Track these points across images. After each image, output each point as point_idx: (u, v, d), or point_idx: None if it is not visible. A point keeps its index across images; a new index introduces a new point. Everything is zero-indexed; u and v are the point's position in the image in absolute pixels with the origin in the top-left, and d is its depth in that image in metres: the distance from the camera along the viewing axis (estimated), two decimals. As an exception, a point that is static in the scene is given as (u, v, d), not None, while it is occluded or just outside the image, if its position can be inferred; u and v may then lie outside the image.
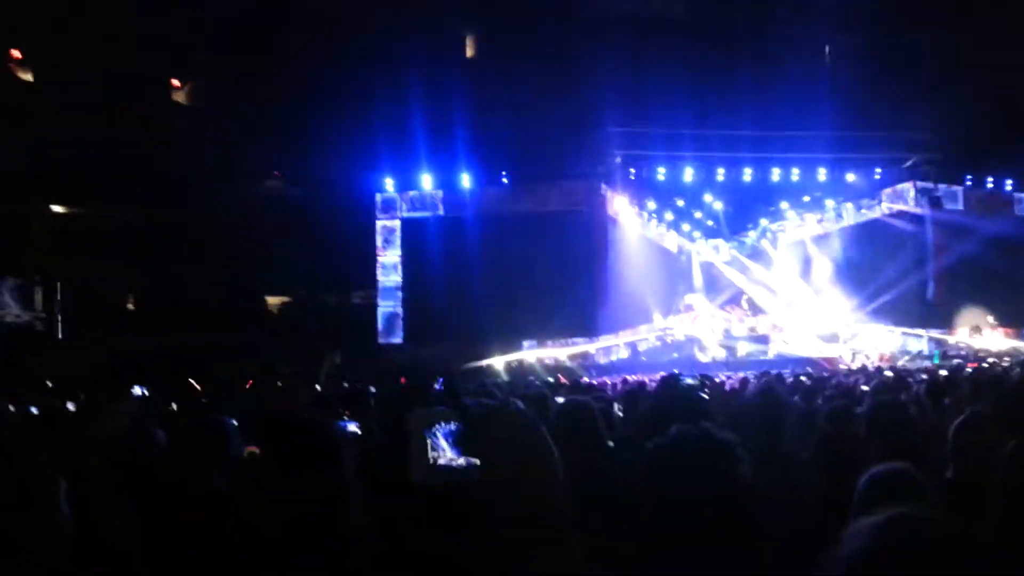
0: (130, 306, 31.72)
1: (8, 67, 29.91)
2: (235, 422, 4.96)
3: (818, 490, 3.09)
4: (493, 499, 1.15)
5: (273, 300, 33.44)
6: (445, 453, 1.12)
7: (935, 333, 27.46)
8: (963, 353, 24.49)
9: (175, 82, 33.90)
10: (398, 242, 28.18)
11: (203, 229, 31.59)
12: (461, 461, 1.12)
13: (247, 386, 16.78)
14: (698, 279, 31.85)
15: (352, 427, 2.43)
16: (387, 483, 1.39)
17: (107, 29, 29.36)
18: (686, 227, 30.90)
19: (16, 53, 30.01)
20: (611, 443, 3.43)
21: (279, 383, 11.51)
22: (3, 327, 27.02)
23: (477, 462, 1.13)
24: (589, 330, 25.97)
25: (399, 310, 27.78)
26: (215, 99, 33.57)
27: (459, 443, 1.12)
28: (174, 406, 6.77)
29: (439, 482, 1.10)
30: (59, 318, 25.56)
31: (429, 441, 1.13)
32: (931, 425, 5.02)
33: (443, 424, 1.14)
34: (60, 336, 27.35)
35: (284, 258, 30.42)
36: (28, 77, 30.32)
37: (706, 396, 5.22)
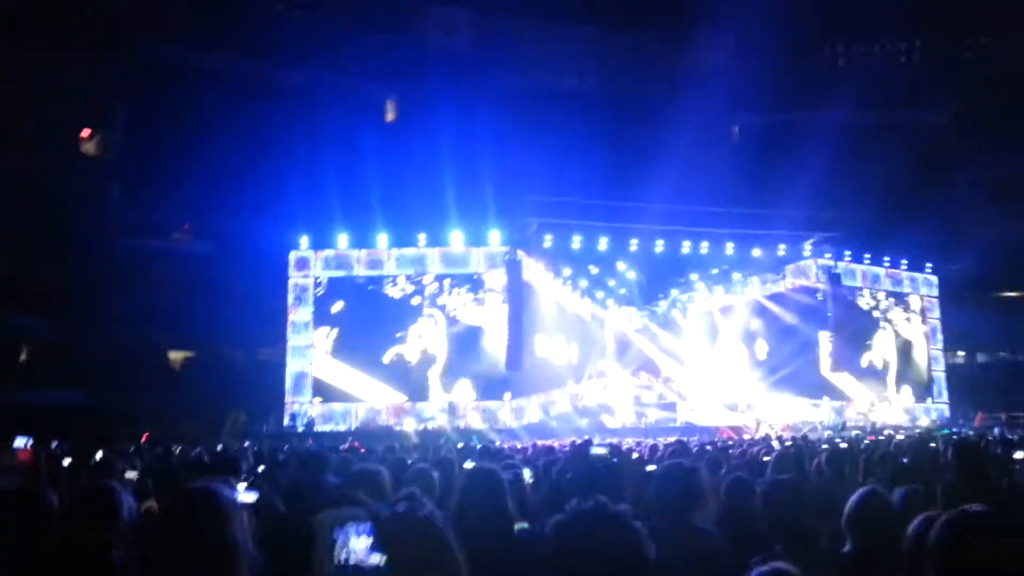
0: (22, 357, 30.22)
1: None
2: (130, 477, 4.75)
3: (724, 563, 3.12)
4: None
5: (176, 355, 32.38)
6: (354, 553, 1.09)
7: (836, 403, 28.37)
8: (861, 424, 25.34)
9: (84, 132, 33.08)
10: (311, 300, 27.71)
11: (105, 282, 30.57)
12: (372, 561, 1.09)
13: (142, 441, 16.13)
14: (610, 346, 32.26)
15: (245, 496, 2.33)
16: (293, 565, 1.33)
17: (17, 77, 28.60)
18: (600, 294, 31.38)
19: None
20: (519, 514, 3.39)
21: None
22: None
23: (383, 559, 1.11)
24: (501, 393, 25.93)
25: (307, 369, 27.19)
26: (124, 151, 32.82)
27: (371, 544, 1.09)
28: (65, 462, 6.42)
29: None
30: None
31: (338, 540, 1.09)
32: (830, 495, 5.15)
33: (354, 524, 1.11)
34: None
35: (189, 313, 29.62)
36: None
37: (614, 463, 5.25)
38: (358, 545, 1.14)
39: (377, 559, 1.14)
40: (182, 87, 31.67)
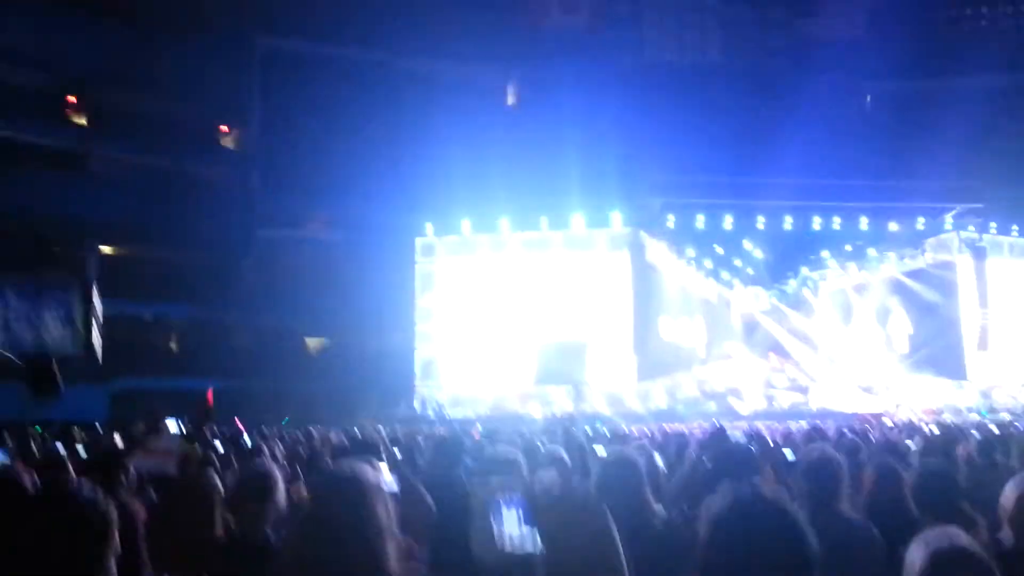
0: (173, 346, 32.17)
1: (64, 112, 30.94)
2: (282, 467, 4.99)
3: (877, 554, 3.00)
4: None
5: (312, 342, 33.75)
6: (510, 529, 1.09)
7: (982, 385, 26.83)
8: (1011, 407, 23.85)
9: (223, 128, 34.78)
10: (436, 286, 28.26)
11: (247, 271, 32.15)
12: (527, 538, 1.08)
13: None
14: (737, 328, 31.48)
15: (389, 481, 2.38)
16: (448, 552, 1.35)
17: (160, 79, 30.31)
18: (725, 275, 30.63)
19: (71, 99, 31.07)
20: (658, 504, 3.36)
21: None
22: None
23: (540, 543, 1.10)
24: (628, 377, 25.78)
25: (435, 355, 27.76)
26: (260, 144, 34.34)
27: (525, 521, 1.08)
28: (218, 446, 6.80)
29: (503, 559, 1.07)
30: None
31: (492, 515, 1.10)
32: (984, 483, 4.88)
33: (507, 497, 1.11)
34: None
35: (323, 301, 30.78)
36: (83, 121, 31.32)
37: (751, 449, 5.14)
38: (511, 524, 1.13)
39: (532, 542, 1.13)
40: (310, 80, 32.93)
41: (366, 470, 2.34)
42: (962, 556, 2.05)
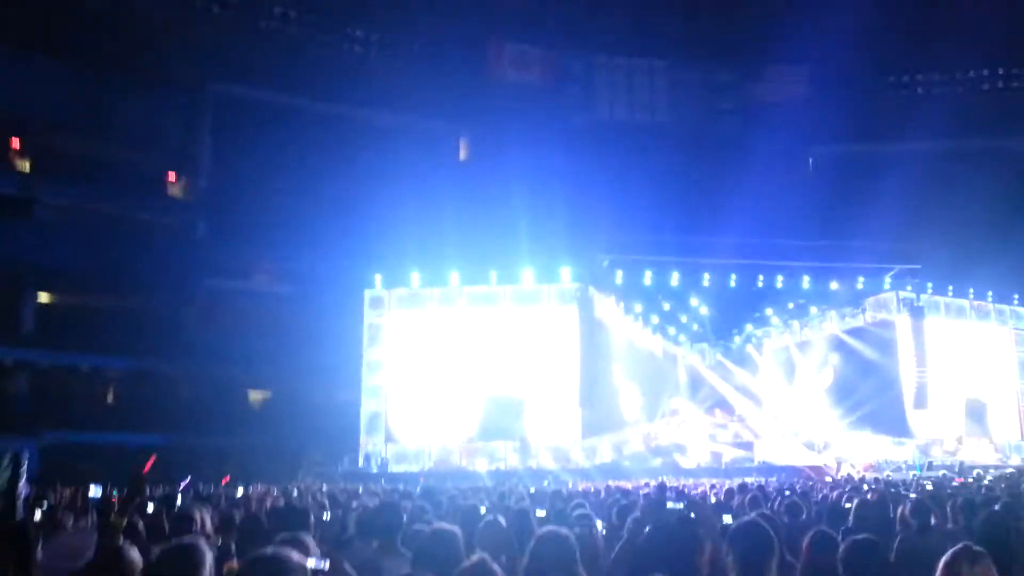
0: (110, 399, 31.28)
1: (7, 156, 30.41)
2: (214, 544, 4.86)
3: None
4: None
5: (255, 395, 33.14)
6: None
7: (920, 442, 27.34)
8: (948, 464, 24.31)
9: (172, 175, 34.48)
10: (384, 339, 28.00)
11: (190, 321, 31.56)
12: None
13: (223, 483, 16.49)
14: (683, 383, 31.81)
15: (318, 564, 2.39)
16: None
17: (110, 123, 30.03)
18: (672, 331, 31.03)
19: (15, 142, 30.58)
20: (591, 572, 3.35)
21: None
22: None
23: None
24: (574, 432, 25.73)
25: (381, 409, 27.39)
26: (209, 193, 34.06)
27: None
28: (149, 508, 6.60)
29: None
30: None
31: None
32: (916, 550, 4.96)
33: None
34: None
35: (269, 353, 30.31)
36: (26, 166, 30.81)
37: (690, 517, 5.16)
38: None
39: None
40: (263, 130, 32.81)
41: (291, 553, 2.36)
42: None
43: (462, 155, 39.05)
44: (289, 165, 32.54)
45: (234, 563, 3.59)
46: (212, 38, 32.98)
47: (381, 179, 32.91)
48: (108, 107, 30.21)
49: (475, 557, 2.92)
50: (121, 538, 3.67)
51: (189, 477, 11.11)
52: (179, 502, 7.00)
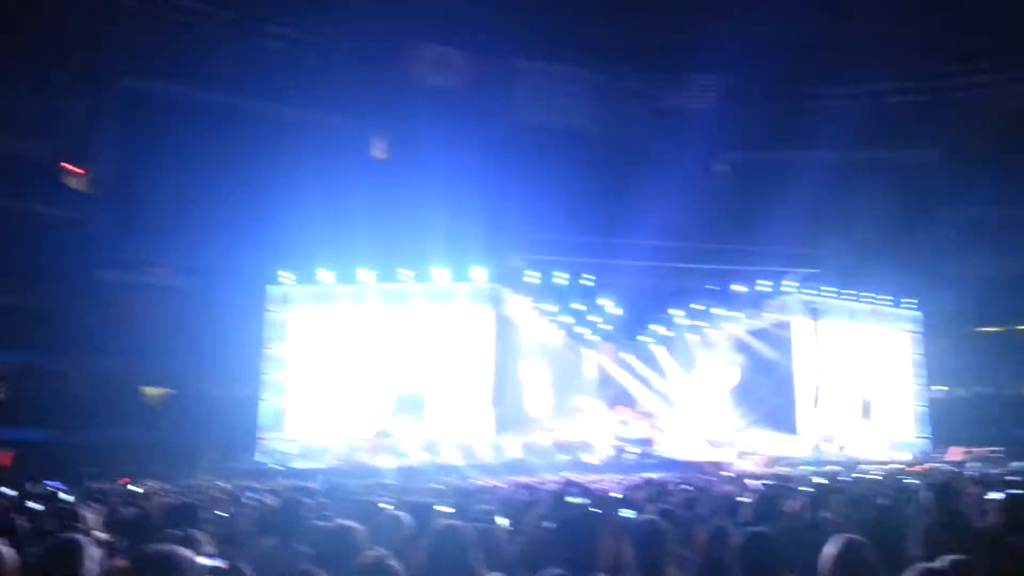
0: None
1: None
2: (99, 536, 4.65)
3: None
4: None
5: (151, 391, 32.04)
6: None
7: (815, 439, 28.37)
8: (840, 460, 25.30)
9: (68, 166, 33.08)
10: (289, 336, 27.45)
11: (84, 315, 30.36)
12: None
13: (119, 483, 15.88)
14: (591, 381, 32.21)
15: (212, 562, 2.29)
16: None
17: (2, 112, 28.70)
18: (581, 330, 31.38)
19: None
20: (492, 567, 3.34)
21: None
22: None
23: None
24: (486, 430, 25.78)
25: (283, 405, 26.85)
26: (107, 185, 32.77)
27: None
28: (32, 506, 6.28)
29: None
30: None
31: None
32: (806, 543, 5.13)
33: None
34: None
35: (166, 348, 29.40)
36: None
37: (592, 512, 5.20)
38: None
39: None
40: (165, 122, 31.76)
41: (183, 550, 2.27)
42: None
43: (375, 153, 38.61)
44: (194, 158, 31.53)
45: (121, 561, 3.44)
46: (119, 29, 31.79)
47: (290, 174, 32.29)
48: (4, 96, 28.79)
49: (373, 552, 2.87)
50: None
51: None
52: (66, 500, 6.70)
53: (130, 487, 11.58)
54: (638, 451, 26.89)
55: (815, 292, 29.67)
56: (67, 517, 4.88)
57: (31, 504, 6.30)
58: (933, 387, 33.86)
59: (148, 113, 32.09)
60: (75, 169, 32.94)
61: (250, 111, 34.21)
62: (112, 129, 33.07)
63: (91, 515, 4.93)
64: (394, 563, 2.74)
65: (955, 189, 39.68)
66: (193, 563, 2.28)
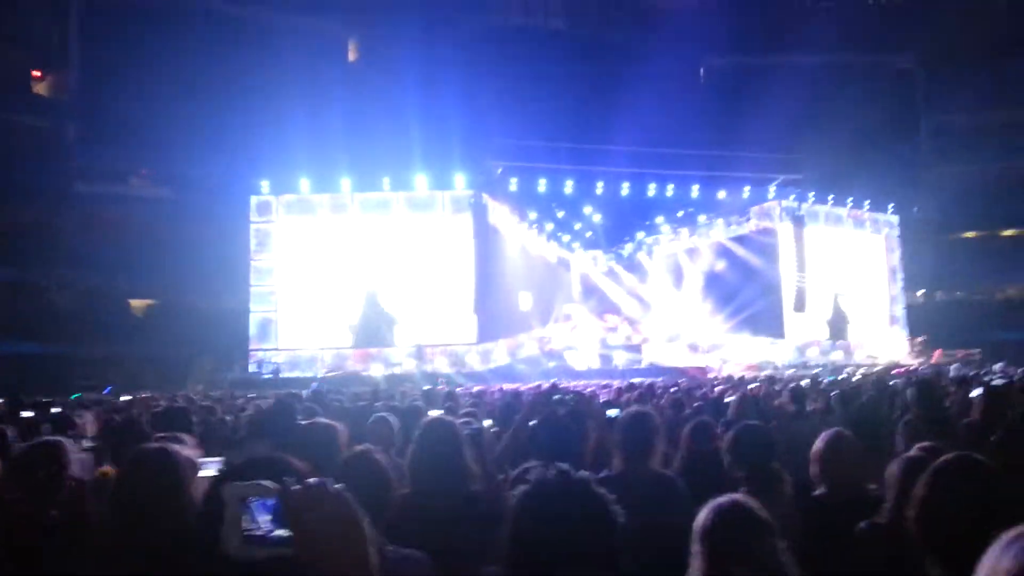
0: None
1: None
2: (85, 443, 4.67)
3: (684, 507, 3.13)
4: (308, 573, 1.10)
5: (137, 303, 31.99)
6: (260, 526, 1.06)
7: (798, 343, 28.83)
8: (823, 363, 25.79)
9: (36, 73, 32.12)
10: (273, 246, 27.29)
11: (63, 228, 29.99)
12: (279, 533, 1.06)
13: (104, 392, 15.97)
14: (576, 289, 32.40)
15: (207, 464, 2.28)
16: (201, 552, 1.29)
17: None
18: (565, 238, 31.38)
19: None
20: (479, 466, 3.35)
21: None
22: None
23: (287, 536, 1.08)
24: (469, 337, 26.00)
25: (272, 315, 26.90)
26: (79, 92, 31.89)
27: (277, 517, 1.06)
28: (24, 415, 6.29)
29: (254, 555, 1.04)
30: None
31: (245, 514, 1.06)
32: (792, 436, 5.23)
33: (260, 498, 1.07)
34: None
35: (151, 260, 29.18)
36: None
37: (577, 409, 5.25)
38: (263, 519, 1.10)
39: (282, 532, 1.11)
40: (140, 26, 30.74)
41: (175, 447, 2.24)
42: (741, 511, 2.18)
43: (351, 57, 37.68)
44: (167, 64, 30.65)
45: (109, 468, 3.45)
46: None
47: (267, 80, 31.55)
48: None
49: (360, 447, 2.88)
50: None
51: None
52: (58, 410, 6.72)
53: (122, 397, 11.62)
54: (624, 357, 27.25)
55: (799, 198, 29.65)
56: (59, 425, 4.89)
57: (24, 413, 6.31)
58: (912, 292, 34.33)
59: (121, 19, 31.05)
60: (42, 75, 32.05)
61: (227, 15, 33.20)
62: (83, 35, 32.02)
63: (82, 423, 4.95)
64: (379, 456, 2.75)
65: (935, 95, 39.46)
66: (189, 459, 2.25)
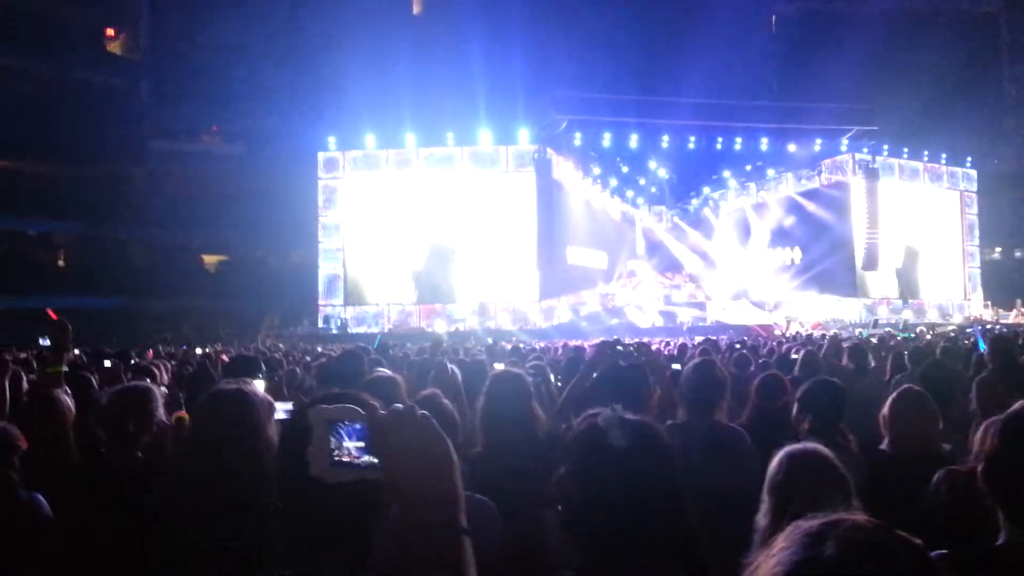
0: (60, 263, 30.78)
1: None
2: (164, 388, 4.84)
3: (753, 461, 3.11)
4: (395, 499, 1.12)
5: (210, 259, 32.82)
6: (348, 451, 1.07)
7: (868, 300, 28.17)
8: (894, 321, 25.15)
9: (110, 31, 32.77)
10: (339, 202, 27.62)
11: (138, 186, 30.79)
12: (365, 459, 1.08)
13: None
14: (640, 245, 32.10)
15: (280, 406, 2.31)
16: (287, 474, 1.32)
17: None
18: (630, 193, 31.03)
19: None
20: (545, 416, 3.39)
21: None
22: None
23: (377, 462, 1.09)
24: (532, 293, 26.05)
25: (339, 271, 27.32)
26: (152, 50, 32.47)
27: (364, 442, 1.07)
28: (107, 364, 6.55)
29: (342, 477, 1.06)
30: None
31: (332, 437, 1.08)
32: (852, 388, 5.12)
33: (347, 423, 1.09)
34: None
35: (222, 216, 29.82)
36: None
37: (639, 361, 5.22)
38: (349, 444, 1.12)
39: (368, 458, 1.12)
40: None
41: (252, 387, 2.26)
42: (815, 458, 2.15)
43: (416, 10, 37.53)
44: (237, 22, 31.01)
45: (184, 412, 3.56)
46: None
47: (331, 36, 31.67)
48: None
49: (426, 391, 2.92)
50: (61, 385, 3.62)
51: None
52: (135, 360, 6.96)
53: (196, 350, 11.98)
54: (688, 314, 27.01)
55: (872, 151, 28.70)
56: (138, 374, 5.08)
57: (105, 363, 6.55)
58: (989, 249, 33.15)
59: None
60: (115, 34, 32.69)
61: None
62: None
63: (159, 372, 5.14)
64: (445, 401, 2.79)
65: (1020, 41, 37.53)
66: (266, 399, 2.27)
